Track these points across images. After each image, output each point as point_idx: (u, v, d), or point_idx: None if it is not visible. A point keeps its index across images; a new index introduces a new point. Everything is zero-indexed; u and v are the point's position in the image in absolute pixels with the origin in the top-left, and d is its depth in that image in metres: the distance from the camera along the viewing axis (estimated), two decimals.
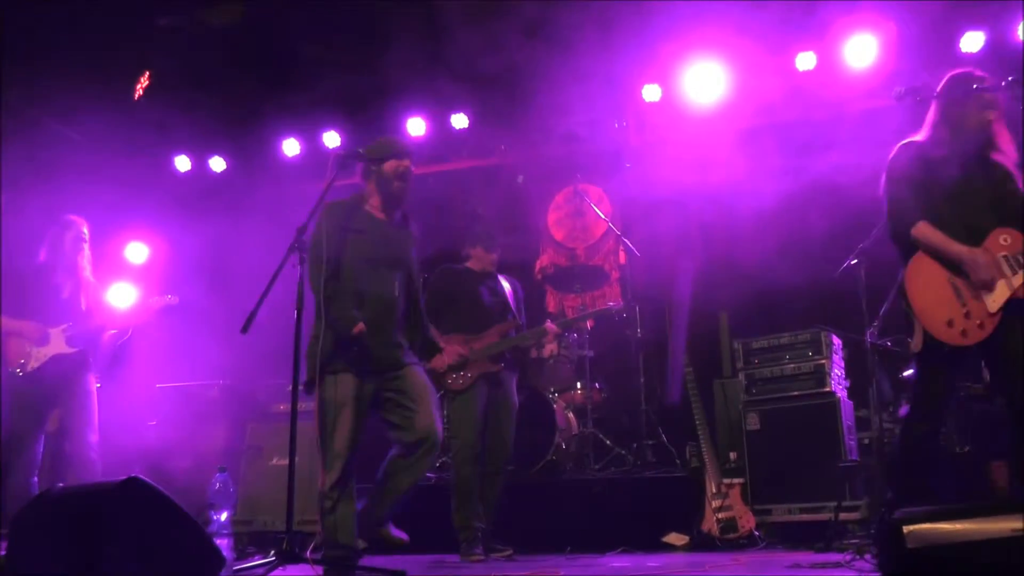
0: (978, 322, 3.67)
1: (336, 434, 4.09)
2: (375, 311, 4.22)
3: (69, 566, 3.19)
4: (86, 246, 5.84)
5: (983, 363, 4.66)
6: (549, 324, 5.61)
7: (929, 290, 3.77)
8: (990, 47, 6.72)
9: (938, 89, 3.98)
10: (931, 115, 4.00)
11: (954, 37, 6.76)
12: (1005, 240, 3.72)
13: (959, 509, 2.59)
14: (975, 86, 3.86)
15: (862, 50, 6.99)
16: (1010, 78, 3.66)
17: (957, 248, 3.71)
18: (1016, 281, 3.65)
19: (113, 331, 5.70)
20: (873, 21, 6.87)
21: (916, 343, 3.79)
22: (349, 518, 4.12)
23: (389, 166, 4.37)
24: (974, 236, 3.76)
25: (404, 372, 4.29)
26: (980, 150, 3.89)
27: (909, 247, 3.86)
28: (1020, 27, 6.62)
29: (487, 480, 5.35)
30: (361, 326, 4.10)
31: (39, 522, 3.41)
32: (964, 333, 3.68)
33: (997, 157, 3.89)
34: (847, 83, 7.15)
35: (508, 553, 5.32)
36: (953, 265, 3.74)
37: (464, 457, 5.26)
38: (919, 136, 4.01)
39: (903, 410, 4.78)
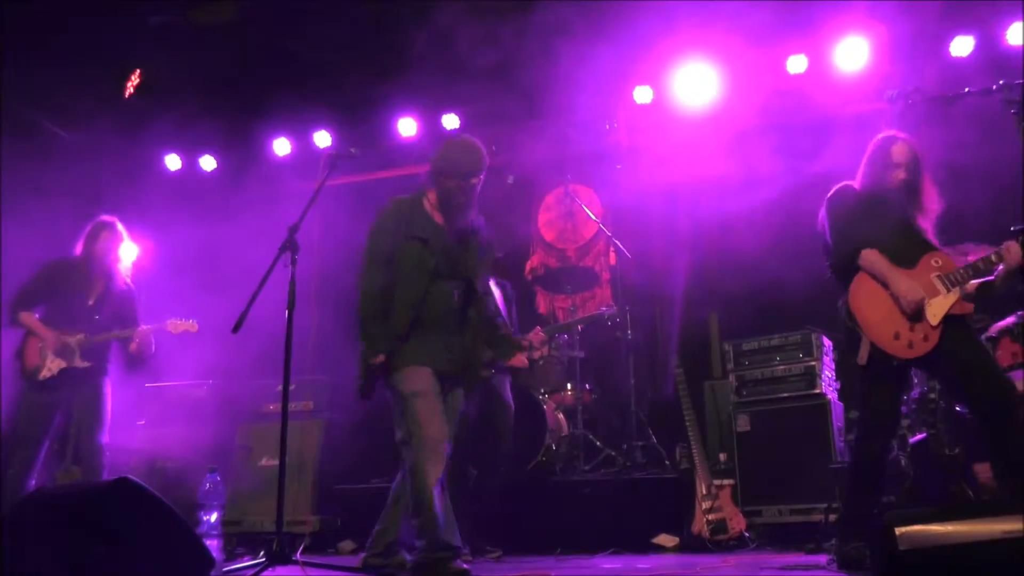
0: (923, 335, 3.83)
1: (432, 424, 3.95)
2: (430, 321, 4.10)
3: (57, 565, 3.17)
4: (123, 248, 5.81)
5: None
6: (535, 334, 5.59)
7: (874, 305, 3.92)
8: (980, 51, 6.75)
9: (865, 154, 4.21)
10: (859, 173, 4.21)
11: (944, 41, 6.79)
12: (936, 262, 3.94)
13: (951, 510, 2.60)
14: (886, 153, 4.09)
15: (853, 53, 7.01)
16: (1001, 82, 3.69)
17: (897, 278, 3.87)
18: (952, 297, 3.84)
19: (134, 345, 5.64)
20: (864, 24, 6.89)
21: (862, 356, 3.93)
22: (451, 512, 3.97)
23: (452, 182, 4.15)
24: (907, 260, 3.95)
25: (452, 393, 4.21)
26: (901, 207, 4.07)
27: (850, 273, 4.00)
28: (1009, 32, 6.64)
29: (482, 483, 5.34)
30: (381, 358, 3.99)
31: (29, 521, 3.39)
32: (911, 345, 3.84)
33: (919, 219, 4.08)
34: (838, 86, 7.16)
35: (497, 554, 5.31)
36: None
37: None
38: (854, 183, 4.20)
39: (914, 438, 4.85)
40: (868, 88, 7.01)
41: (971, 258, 3.94)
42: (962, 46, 6.75)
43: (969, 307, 3.85)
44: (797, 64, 7.22)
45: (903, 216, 4.06)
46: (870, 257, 3.92)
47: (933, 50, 6.78)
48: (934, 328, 3.80)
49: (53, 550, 3.21)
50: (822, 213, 4.16)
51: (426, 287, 4.09)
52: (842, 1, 6.71)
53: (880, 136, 4.18)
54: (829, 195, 4.17)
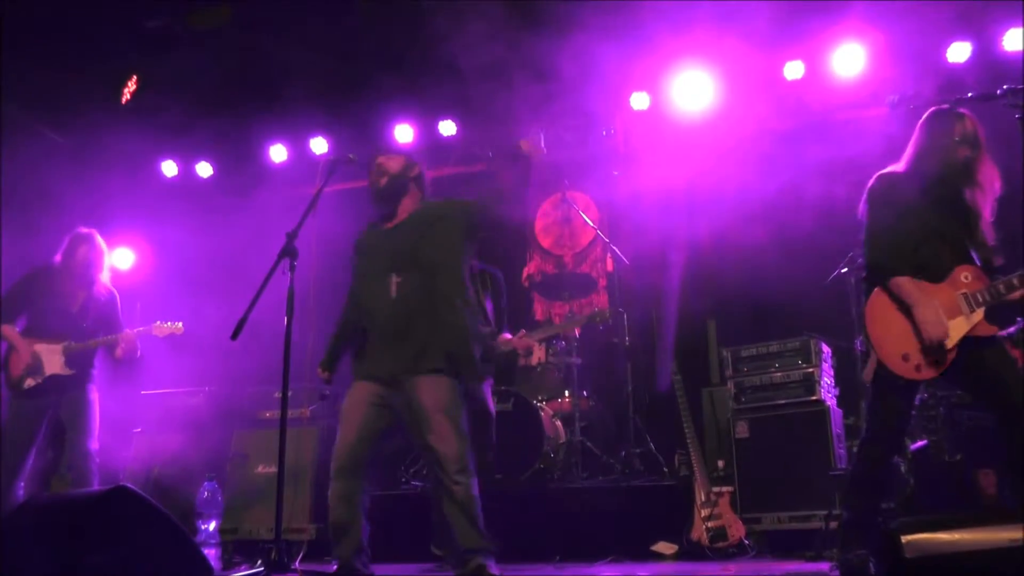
0: (934, 358, 3.75)
1: (338, 439, 4.11)
2: (373, 321, 4.12)
3: (55, 574, 3.15)
4: (104, 258, 5.84)
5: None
6: (519, 340, 5.49)
7: (888, 323, 3.85)
8: (976, 57, 6.75)
9: (919, 123, 4.05)
10: (910, 148, 4.06)
11: (941, 47, 6.79)
12: (966, 278, 3.82)
13: (957, 519, 2.59)
14: (951, 127, 3.93)
15: (850, 59, 7.00)
16: (1005, 87, 3.67)
17: (923, 311, 3.75)
18: (974, 319, 3.75)
19: (120, 349, 5.65)
20: (861, 31, 6.88)
21: (868, 373, 3.88)
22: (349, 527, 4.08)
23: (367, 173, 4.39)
24: (937, 273, 3.85)
25: (412, 382, 4.05)
26: (953, 189, 3.94)
27: (878, 279, 3.92)
28: (1006, 37, 6.65)
29: None
30: (320, 373, 4.32)
31: (26, 529, 3.37)
32: (918, 368, 3.76)
33: (977, 196, 3.94)
34: (835, 92, 7.16)
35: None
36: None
37: None
38: (899, 166, 4.07)
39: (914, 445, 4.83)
40: (865, 94, 7.02)
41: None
42: (959, 52, 6.75)
43: (992, 329, 3.75)
44: (794, 70, 7.21)
45: (951, 201, 3.92)
46: (899, 283, 3.82)
47: (930, 56, 6.78)
48: (947, 352, 3.72)
49: (50, 558, 3.19)
50: (863, 206, 4.02)
51: (367, 285, 4.21)
52: (839, 5, 6.70)
53: (937, 111, 4.02)
54: (870, 186, 4.02)
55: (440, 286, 4.10)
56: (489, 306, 5.55)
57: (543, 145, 4.32)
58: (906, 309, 3.81)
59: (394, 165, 4.35)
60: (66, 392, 5.54)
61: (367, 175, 4.34)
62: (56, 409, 5.54)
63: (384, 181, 4.31)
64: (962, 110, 3.97)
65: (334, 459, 4.09)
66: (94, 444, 5.52)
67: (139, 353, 5.75)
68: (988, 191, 3.95)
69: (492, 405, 5.48)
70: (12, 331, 5.57)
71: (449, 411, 3.99)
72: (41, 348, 5.53)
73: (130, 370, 6.20)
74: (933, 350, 3.72)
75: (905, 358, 3.78)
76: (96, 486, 5.38)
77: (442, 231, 4.21)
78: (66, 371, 5.52)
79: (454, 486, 3.96)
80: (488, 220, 4.33)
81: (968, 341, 3.74)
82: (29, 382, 5.48)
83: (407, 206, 4.35)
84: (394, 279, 4.10)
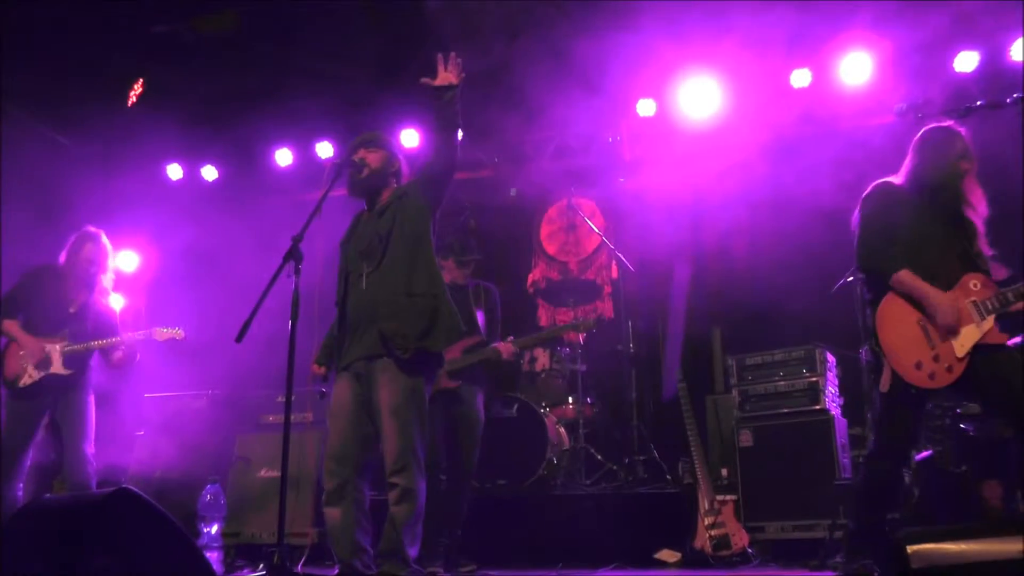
0: (946, 365, 3.75)
1: (328, 442, 4.10)
2: (352, 310, 4.14)
3: None
4: (108, 258, 5.81)
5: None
6: (503, 344, 5.46)
7: (899, 331, 3.84)
8: (984, 67, 6.74)
9: (915, 139, 4.09)
10: (908, 162, 4.09)
11: (948, 56, 6.78)
12: (975, 285, 3.84)
13: (964, 529, 2.57)
14: (952, 142, 3.97)
15: (857, 68, 6.99)
16: (1016, 95, 3.67)
17: (934, 295, 3.77)
18: (985, 326, 3.75)
19: (119, 353, 5.63)
20: (868, 39, 6.88)
21: (884, 383, 3.84)
22: (344, 526, 4.02)
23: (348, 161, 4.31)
24: (946, 281, 3.85)
25: (375, 374, 4.04)
26: (953, 203, 3.97)
27: (881, 284, 3.92)
28: (1013, 48, 6.64)
29: (450, 496, 5.22)
30: (314, 368, 4.41)
31: (25, 532, 3.35)
32: (932, 376, 3.76)
33: (969, 213, 3.98)
34: (842, 100, 7.15)
35: (471, 569, 5.25)
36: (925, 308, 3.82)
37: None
38: (896, 179, 4.08)
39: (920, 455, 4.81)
40: (872, 102, 7.01)
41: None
42: (966, 61, 6.73)
43: (1003, 337, 3.75)
44: (801, 78, 7.20)
45: (952, 214, 3.94)
46: (901, 278, 3.83)
47: (938, 65, 6.77)
48: (960, 360, 3.71)
49: (51, 561, 3.18)
50: (856, 215, 4.05)
51: (349, 275, 4.20)
52: (847, 14, 6.69)
53: (935, 127, 4.05)
54: (865, 194, 4.05)
55: (406, 275, 4.09)
56: (481, 318, 5.53)
57: (448, 66, 4.07)
58: (916, 317, 3.79)
59: (375, 160, 4.29)
60: (62, 393, 5.48)
61: (347, 163, 4.26)
62: (53, 410, 5.49)
63: (364, 174, 4.26)
64: (958, 128, 4.02)
65: (325, 460, 4.07)
66: (90, 447, 5.46)
67: (138, 358, 5.72)
68: (979, 208, 3.99)
69: (482, 412, 5.47)
70: (13, 326, 5.52)
71: (398, 410, 3.97)
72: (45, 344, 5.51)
73: (124, 375, 6.17)
74: (947, 335, 3.71)
75: (918, 366, 3.76)
76: (92, 487, 5.36)
77: (409, 206, 4.20)
78: (63, 371, 5.48)
79: (389, 487, 3.99)
80: (441, 163, 4.22)
81: (979, 349, 3.73)
82: (25, 380, 5.43)
83: (383, 197, 4.32)
84: (365, 270, 4.13)
